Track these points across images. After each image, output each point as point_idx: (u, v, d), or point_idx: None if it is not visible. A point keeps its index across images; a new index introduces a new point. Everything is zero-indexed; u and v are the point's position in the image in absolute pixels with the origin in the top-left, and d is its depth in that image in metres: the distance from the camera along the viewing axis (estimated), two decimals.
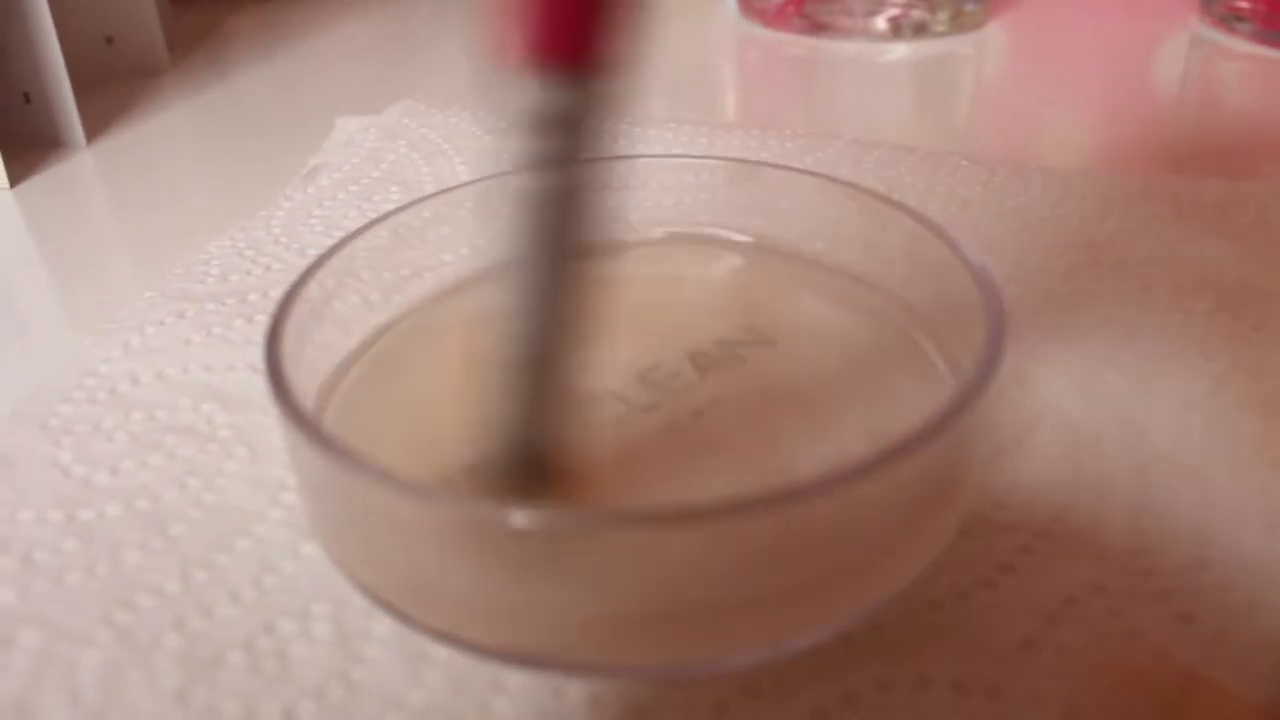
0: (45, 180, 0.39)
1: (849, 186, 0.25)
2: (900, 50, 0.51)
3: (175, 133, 0.44)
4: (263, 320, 0.27)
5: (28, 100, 0.41)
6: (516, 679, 0.18)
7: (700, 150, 0.35)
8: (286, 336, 0.20)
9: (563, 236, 0.17)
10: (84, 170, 0.40)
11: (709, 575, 0.16)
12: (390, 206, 0.31)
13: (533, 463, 0.18)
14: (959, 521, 0.19)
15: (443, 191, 0.25)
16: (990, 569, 0.20)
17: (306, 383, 0.20)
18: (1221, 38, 0.50)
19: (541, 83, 0.16)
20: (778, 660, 0.18)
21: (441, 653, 0.18)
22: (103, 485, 0.22)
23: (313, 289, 0.22)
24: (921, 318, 0.24)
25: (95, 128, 0.43)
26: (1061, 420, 0.23)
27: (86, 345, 0.26)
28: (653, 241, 0.27)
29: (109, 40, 0.48)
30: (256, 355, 0.26)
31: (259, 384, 0.25)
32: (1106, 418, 0.23)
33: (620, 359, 0.23)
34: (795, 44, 0.52)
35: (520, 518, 0.16)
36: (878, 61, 0.50)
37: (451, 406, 0.22)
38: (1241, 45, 0.49)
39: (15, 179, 0.39)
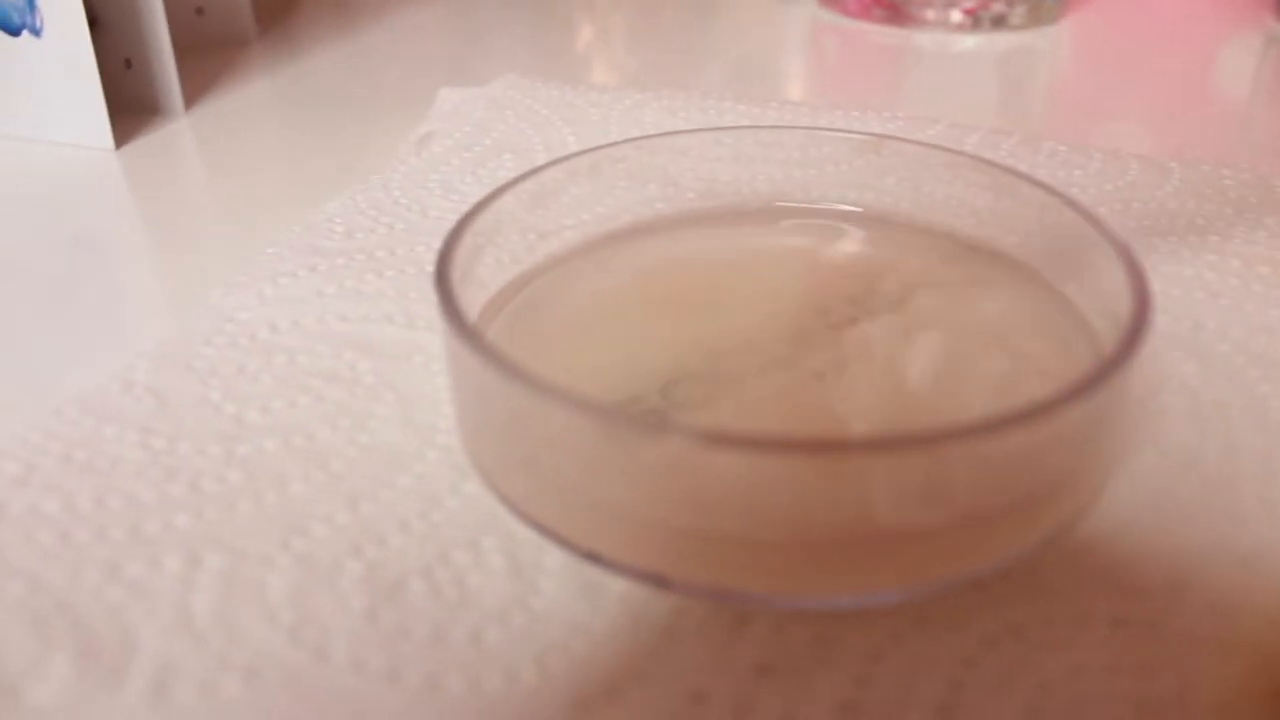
0: (148, 143, 0.40)
1: (979, 160, 0.26)
2: (977, 42, 0.51)
3: (268, 101, 0.44)
4: (393, 275, 0.28)
5: (129, 66, 0.41)
6: (697, 606, 0.18)
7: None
8: (454, 268, 0.20)
9: None
10: (183, 135, 0.41)
11: (893, 505, 0.17)
12: (504, 173, 0.32)
13: None
14: (1111, 471, 0.20)
15: (573, 155, 0.26)
16: (1131, 518, 0.20)
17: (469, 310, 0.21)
18: None
19: None
20: (947, 598, 0.18)
21: (617, 583, 0.18)
22: (255, 422, 0.23)
23: (469, 237, 0.22)
24: (1050, 285, 0.24)
25: (191, 95, 0.43)
26: (1182, 386, 0.24)
27: (219, 294, 0.27)
28: (785, 211, 0.27)
29: (199, 11, 0.49)
30: (391, 307, 0.26)
31: (398, 334, 0.25)
32: (1224, 386, 0.24)
33: (758, 316, 0.23)
34: (874, 33, 0.52)
35: (679, 438, 0.16)
36: (954, 52, 0.50)
37: (598, 351, 0.23)
38: None
39: (120, 141, 0.39)
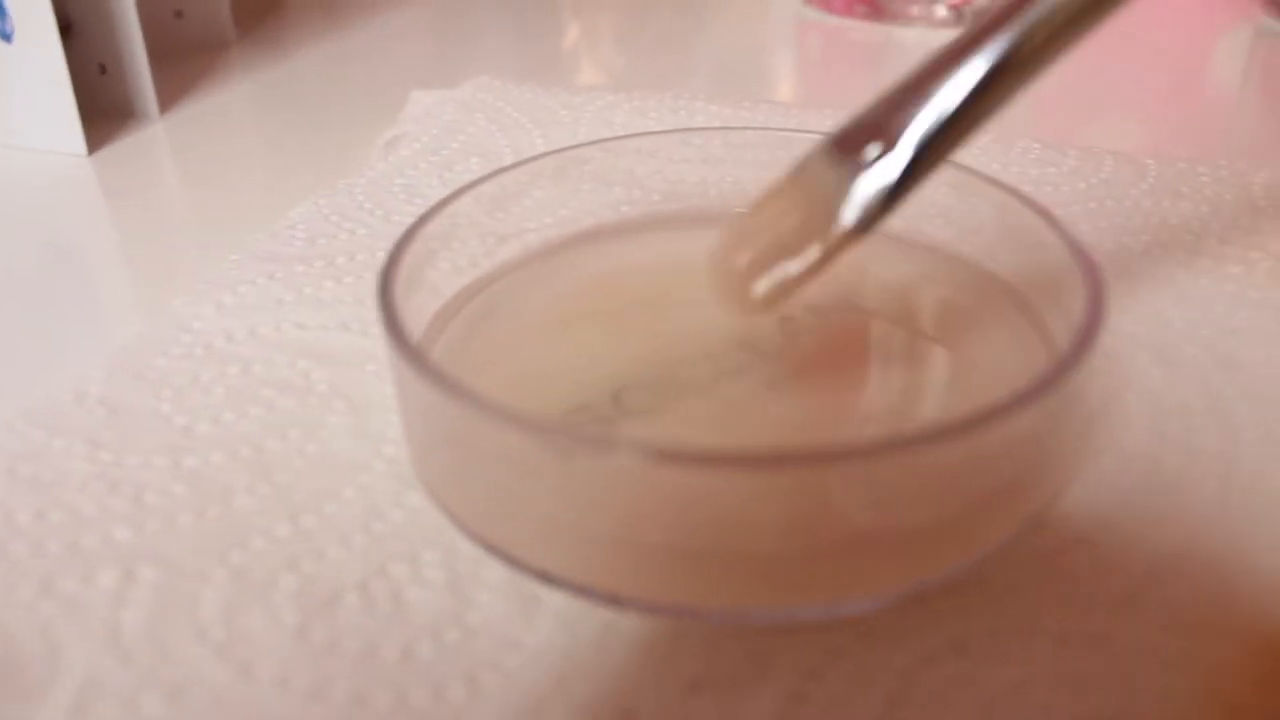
0: (121, 148, 0.40)
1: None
2: None
3: (243, 105, 0.44)
4: (351, 282, 0.27)
5: (103, 71, 0.41)
6: (631, 622, 0.18)
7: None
8: (398, 282, 0.20)
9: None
10: (157, 140, 0.41)
11: (840, 516, 0.17)
12: (470, 177, 0.31)
13: None
14: (1061, 483, 0.20)
15: (538, 157, 0.25)
16: (1086, 527, 0.20)
17: (413, 326, 0.21)
18: None
19: None
20: (889, 611, 0.18)
21: (554, 598, 0.18)
22: (205, 434, 0.23)
23: (419, 242, 0.22)
24: (1009, 287, 0.24)
25: (167, 99, 0.43)
26: (1146, 388, 0.24)
27: (178, 304, 0.27)
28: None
29: (178, 14, 0.49)
30: (348, 314, 0.26)
31: (353, 342, 0.25)
32: (1189, 388, 0.24)
33: (714, 322, 0.23)
34: (858, 30, 0.52)
35: (625, 453, 0.16)
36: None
37: (551, 357, 0.22)
38: None
39: (93, 147, 0.39)
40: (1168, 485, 0.21)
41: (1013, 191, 0.24)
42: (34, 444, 0.22)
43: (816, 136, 0.26)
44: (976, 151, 0.34)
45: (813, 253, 0.20)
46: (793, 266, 0.20)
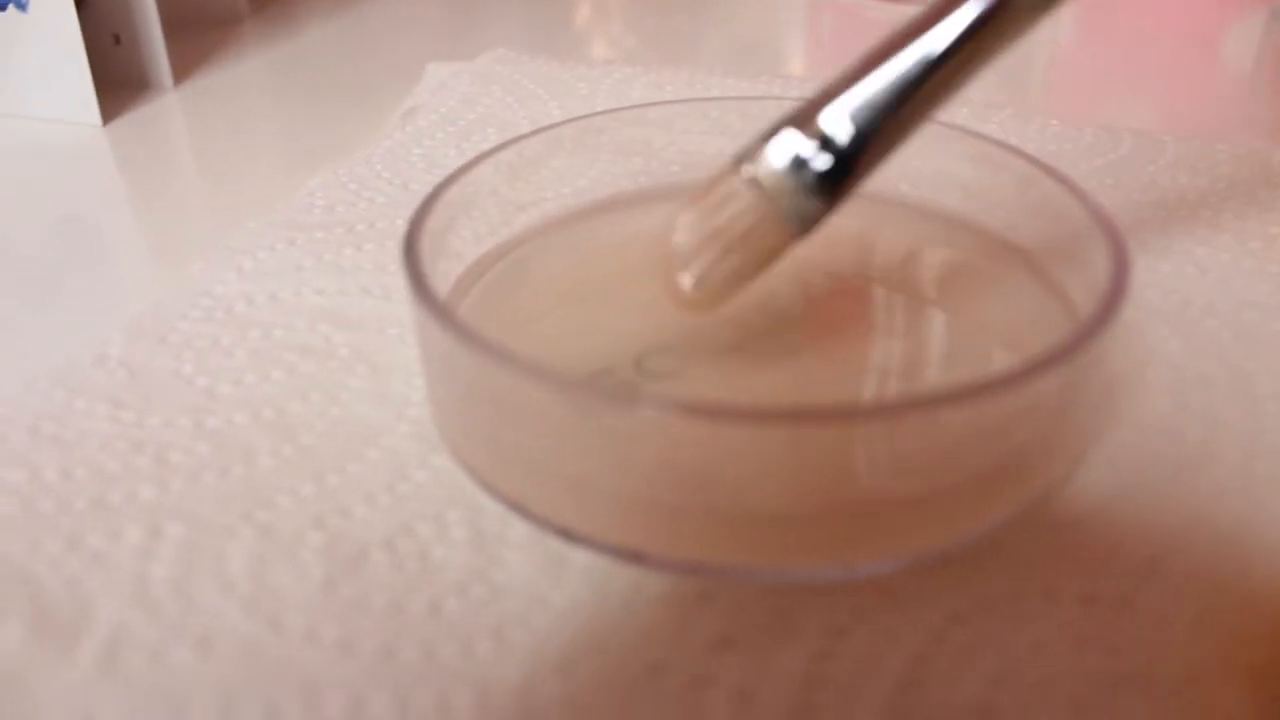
0: (136, 119, 0.40)
1: (963, 131, 0.25)
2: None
3: (258, 78, 0.44)
4: (372, 249, 0.27)
5: (118, 42, 0.41)
6: (658, 581, 0.18)
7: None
8: (423, 243, 0.20)
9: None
10: (172, 111, 0.41)
11: (864, 476, 0.17)
12: (488, 147, 0.31)
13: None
14: (1082, 446, 0.20)
15: (555, 125, 0.25)
16: (1108, 495, 0.20)
17: (440, 286, 0.21)
18: None
19: None
20: (914, 571, 0.18)
21: (580, 556, 0.18)
22: (227, 395, 0.23)
23: (442, 207, 0.22)
24: (1029, 256, 0.24)
25: (181, 71, 0.43)
26: (1167, 361, 0.24)
27: (197, 269, 0.27)
28: None
29: None
30: (367, 280, 0.26)
31: (374, 306, 0.25)
32: (1210, 361, 0.24)
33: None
34: (870, 8, 0.52)
35: (649, 406, 0.16)
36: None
37: (573, 322, 0.22)
38: None
39: (107, 117, 0.39)
40: (1189, 456, 0.21)
41: (1035, 162, 0.24)
42: (56, 404, 0.22)
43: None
44: (994, 126, 0.34)
45: (753, 252, 0.20)
46: (732, 266, 0.20)
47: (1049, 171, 0.23)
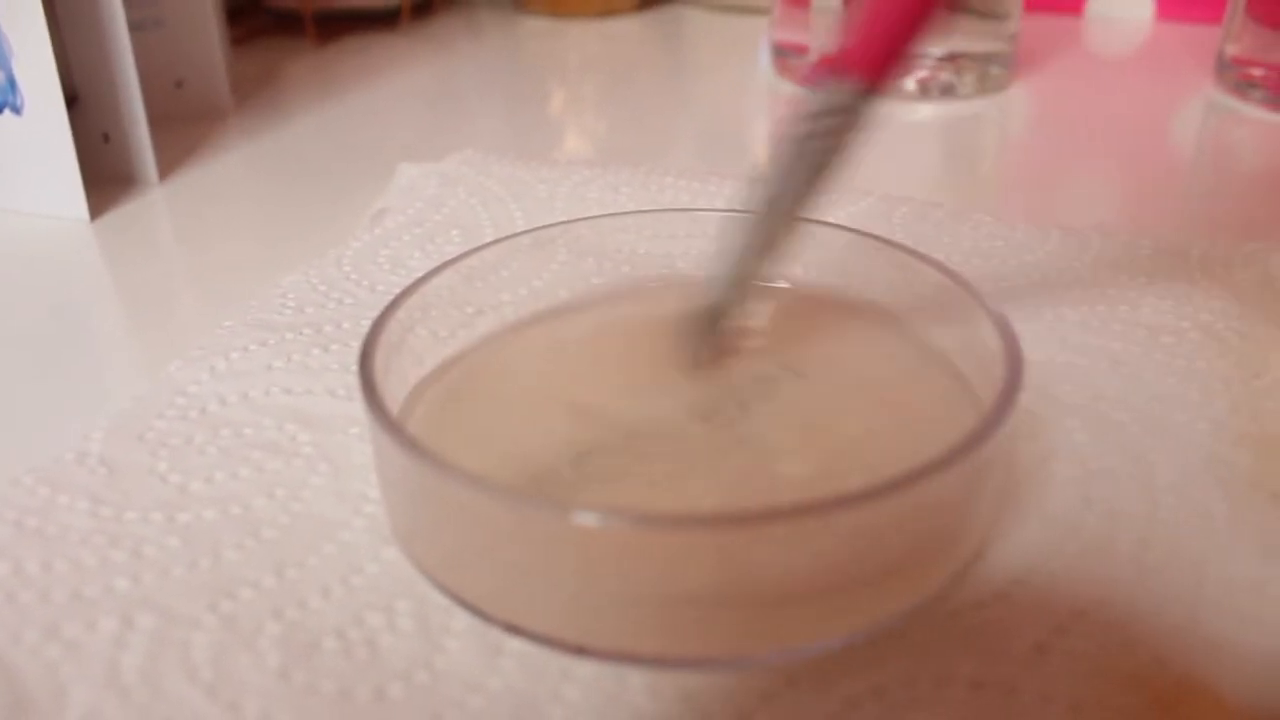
0: (122, 214, 0.42)
1: (880, 240, 0.27)
2: (928, 110, 0.53)
3: (240, 172, 0.46)
4: (338, 350, 0.29)
5: (106, 140, 0.43)
6: (585, 668, 0.20)
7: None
8: (376, 359, 0.22)
9: (807, 180, 0.25)
10: (157, 205, 0.43)
11: (756, 574, 0.19)
12: (451, 249, 0.33)
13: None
14: (981, 538, 0.22)
15: (506, 238, 0.28)
16: (1005, 583, 0.22)
17: (395, 393, 0.23)
18: (1235, 104, 0.53)
19: (843, 84, 0.24)
20: (816, 659, 0.20)
21: (514, 644, 0.20)
22: (198, 492, 0.24)
23: (397, 319, 0.24)
24: (943, 358, 0.26)
25: (166, 166, 0.45)
26: (1073, 454, 0.25)
27: (174, 368, 0.29)
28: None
29: (178, 84, 0.51)
30: (334, 380, 0.28)
31: (337, 407, 0.27)
32: (1115, 453, 0.25)
33: (670, 396, 0.25)
34: None
35: (586, 517, 0.18)
36: (906, 120, 0.52)
37: (520, 424, 0.24)
38: (1254, 111, 0.51)
39: (95, 213, 0.41)
40: (1086, 545, 0.23)
41: (942, 268, 0.26)
42: (40, 500, 0.24)
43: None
44: (931, 224, 0.36)
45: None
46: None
47: (955, 277, 0.25)
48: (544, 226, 0.29)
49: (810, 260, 0.29)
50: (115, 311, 0.36)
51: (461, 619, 0.21)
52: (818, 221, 0.28)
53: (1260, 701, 0.19)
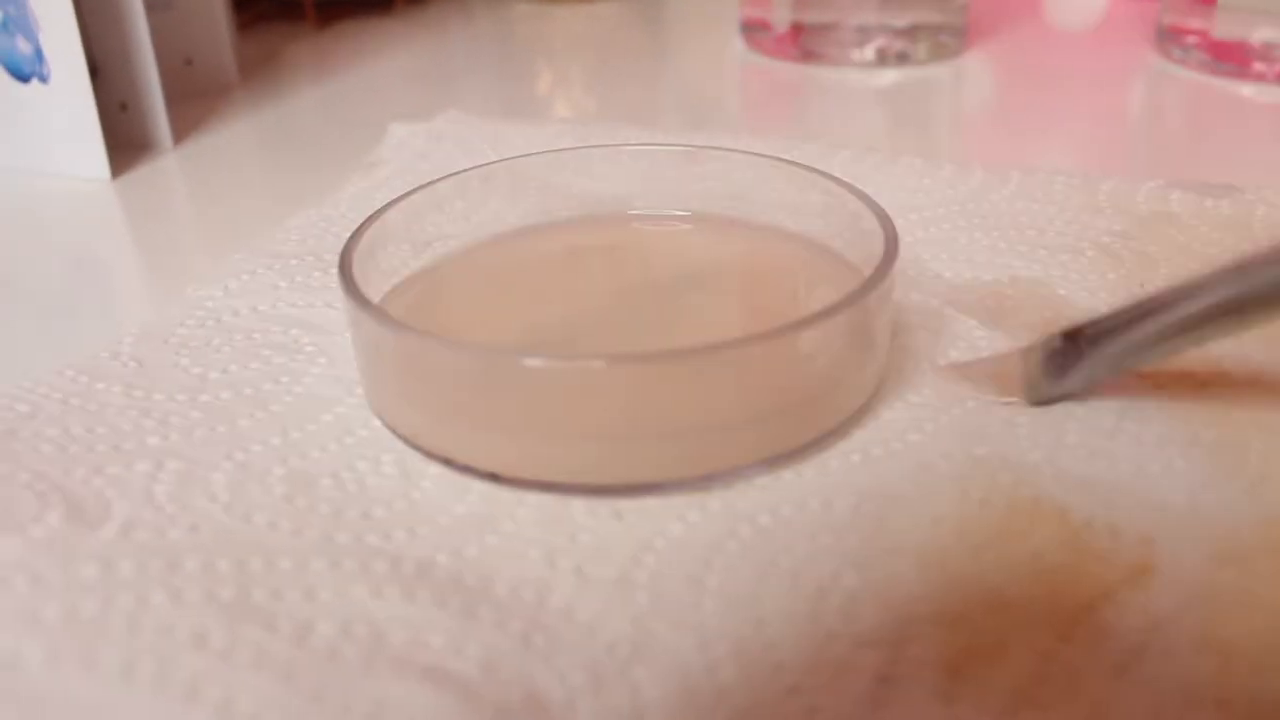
0: (140, 175, 0.46)
1: (777, 160, 0.32)
2: (886, 77, 0.58)
3: (247, 140, 0.51)
4: (335, 273, 0.34)
5: (124, 109, 0.48)
6: (535, 496, 0.24)
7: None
8: (355, 257, 0.27)
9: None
10: (171, 168, 0.47)
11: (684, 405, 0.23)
12: None
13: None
14: (872, 390, 0.26)
15: (462, 171, 0.32)
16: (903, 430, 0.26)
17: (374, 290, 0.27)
18: (1173, 69, 0.57)
19: None
20: (724, 485, 0.24)
21: (476, 483, 0.24)
22: (215, 379, 0.29)
23: (368, 235, 0.28)
24: (839, 257, 0.30)
25: (179, 134, 0.50)
26: (963, 336, 0.30)
27: (192, 289, 0.33)
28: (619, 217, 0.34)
29: (188, 61, 0.55)
30: (331, 296, 0.32)
31: (334, 316, 0.31)
32: (1001, 340, 0.30)
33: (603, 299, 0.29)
34: (792, 71, 0.59)
35: (531, 361, 0.22)
36: (865, 86, 0.57)
37: (476, 317, 0.29)
38: (1189, 75, 0.56)
39: (116, 173, 0.46)
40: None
41: (840, 181, 0.30)
42: (81, 385, 0.28)
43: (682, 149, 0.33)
44: (868, 166, 0.40)
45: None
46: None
47: (849, 187, 0.29)
48: (487, 164, 0.33)
49: (708, 184, 0.33)
50: (135, 257, 0.40)
51: (436, 468, 0.25)
52: (735, 151, 0.32)
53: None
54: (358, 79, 0.60)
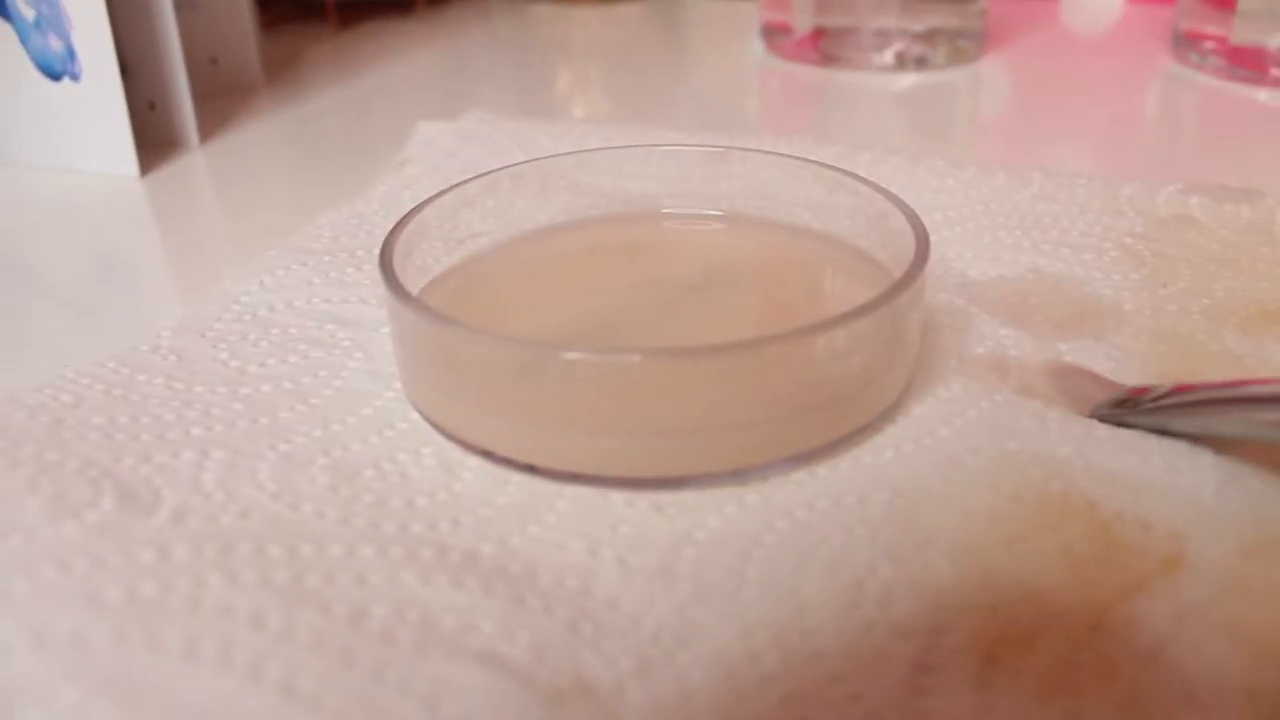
0: (168, 172, 0.47)
1: (809, 162, 0.32)
2: (904, 80, 0.58)
3: (272, 138, 0.51)
4: (369, 269, 0.34)
5: (153, 108, 0.48)
6: (575, 489, 0.24)
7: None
8: (397, 250, 0.27)
9: None
10: (198, 166, 0.48)
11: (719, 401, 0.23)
12: None
13: None
14: (902, 388, 0.26)
15: (494, 170, 0.33)
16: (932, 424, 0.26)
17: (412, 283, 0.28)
18: (1190, 74, 0.57)
19: None
20: (761, 479, 0.24)
21: (518, 477, 0.25)
22: (255, 373, 0.29)
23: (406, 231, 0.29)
24: (867, 255, 0.31)
25: (206, 132, 0.51)
26: (989, 337, 0.30)
27: (228, 283, 0.34)
28: (649, 215, 0.34)
29: (213, 61, 0.56)
30: (366, 292, 0.33)
31: (370, 311, 0.32)
32: (1028, 341, 0.30)
33: (637, 295, 0.30)
34: (811, 74, 0.59)
35: (571, 354, 0.23)
36: (884, 90, 0.57)
37: (516, 316, 0.29)
38: (1206, 80, 0.56)
39: (144, 170, 0.46)
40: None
41: (869, 183, 0.30)
42: (122, 376, 0.29)
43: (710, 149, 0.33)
44: (890, 167, 0.40)
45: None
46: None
47: (877, 188, 0.30)
48: (517, 164, 0.33)
49: (739, 185, 0.34)
50: (164, 254, 0.41)
51: (476, 461, 0.25)
52: (762, 152, 0.33)
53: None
54: (379, 79, 0.60)
